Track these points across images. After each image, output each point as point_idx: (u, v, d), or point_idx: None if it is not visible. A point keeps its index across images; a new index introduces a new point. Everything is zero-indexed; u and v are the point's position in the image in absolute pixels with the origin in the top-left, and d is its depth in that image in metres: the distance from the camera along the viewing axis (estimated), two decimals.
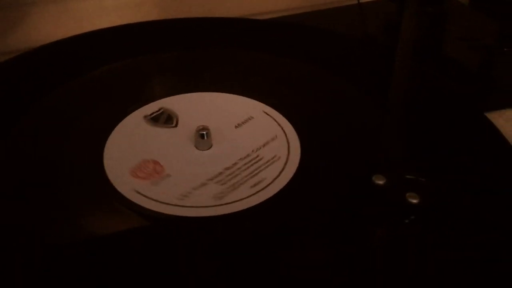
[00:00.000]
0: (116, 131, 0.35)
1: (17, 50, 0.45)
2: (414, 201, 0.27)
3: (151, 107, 0.37)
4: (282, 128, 0.35)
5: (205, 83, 0.39)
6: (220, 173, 0.32)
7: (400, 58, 0.42)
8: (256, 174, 0.31)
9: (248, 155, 0.33)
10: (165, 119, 0.36)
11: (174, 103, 0.37)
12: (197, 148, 0.34)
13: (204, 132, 0.33)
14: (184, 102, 0.38)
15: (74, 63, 0.42)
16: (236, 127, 0.35)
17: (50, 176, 0.31)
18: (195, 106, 0.37)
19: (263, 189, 0.30)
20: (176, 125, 0.35)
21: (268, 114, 0.36)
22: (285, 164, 0.32)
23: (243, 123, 0.36)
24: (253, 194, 0.30)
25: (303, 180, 0.31)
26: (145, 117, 0.36)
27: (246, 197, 0.30)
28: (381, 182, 0.28)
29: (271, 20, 0.51)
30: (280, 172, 0.31)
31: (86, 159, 0.33)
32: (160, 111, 0.36)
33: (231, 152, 0.33)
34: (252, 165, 0.32)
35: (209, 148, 0.34)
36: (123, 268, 0.26)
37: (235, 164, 0.32)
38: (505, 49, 0.40)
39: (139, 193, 0.30)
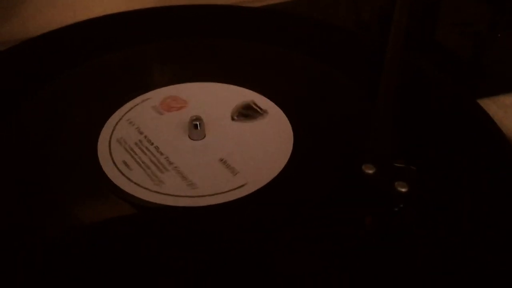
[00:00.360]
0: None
1: (10, 40, 0.45)
2: (403, 189, 0.27)
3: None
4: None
5: (203, 73, 0.40)
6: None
7: (392, 45, 0.41)
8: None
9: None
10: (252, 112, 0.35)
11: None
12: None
13: (198, 122, 0.34)
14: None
15: (68, 54, 0.42)
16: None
17: (44, 168, 0.32)
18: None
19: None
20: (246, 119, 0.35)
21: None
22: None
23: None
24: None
25: (294, 170, 0.31)
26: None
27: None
28: (370, 172, 0.29)
29: (266, 9, 0.51)
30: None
31: (80, 151, 0.33)
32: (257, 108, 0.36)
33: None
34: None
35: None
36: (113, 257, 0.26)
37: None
38: (499, 35, 0.40)
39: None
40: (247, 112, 0.35)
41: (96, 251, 0.27)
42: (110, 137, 0.34)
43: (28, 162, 0.32)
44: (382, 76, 0.38)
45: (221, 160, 0.32)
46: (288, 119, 0.35)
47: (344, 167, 0.31)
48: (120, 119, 0.35)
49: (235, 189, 0.30)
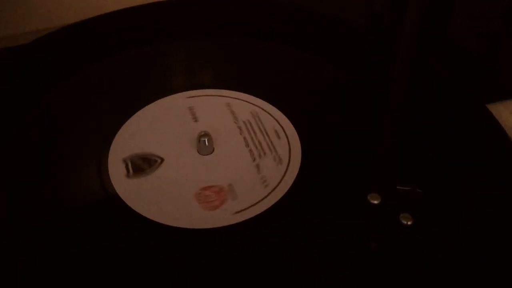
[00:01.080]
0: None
1: (22, 33, 0.45)
2: (408, 223, 0.28)
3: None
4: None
5: (211, 77, 0.39)
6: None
7: (405, 43, 0.41)
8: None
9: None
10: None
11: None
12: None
13: (205, 139, 0.34)
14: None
15: (78, 52, 0.42)
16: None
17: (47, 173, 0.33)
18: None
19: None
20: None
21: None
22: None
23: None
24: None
25: (299, 195, 0.31)
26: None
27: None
28: (376, 202, 0.29)
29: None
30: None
31: (90, 157, 0.34)
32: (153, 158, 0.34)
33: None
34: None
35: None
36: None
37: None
38: None
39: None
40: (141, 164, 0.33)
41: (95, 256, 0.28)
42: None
43: (34, 164, 0.33)
44: (395, 76, 0.37)
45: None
46: (298, 135, 0.35)
47: (350, 194, 0.31)
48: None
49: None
